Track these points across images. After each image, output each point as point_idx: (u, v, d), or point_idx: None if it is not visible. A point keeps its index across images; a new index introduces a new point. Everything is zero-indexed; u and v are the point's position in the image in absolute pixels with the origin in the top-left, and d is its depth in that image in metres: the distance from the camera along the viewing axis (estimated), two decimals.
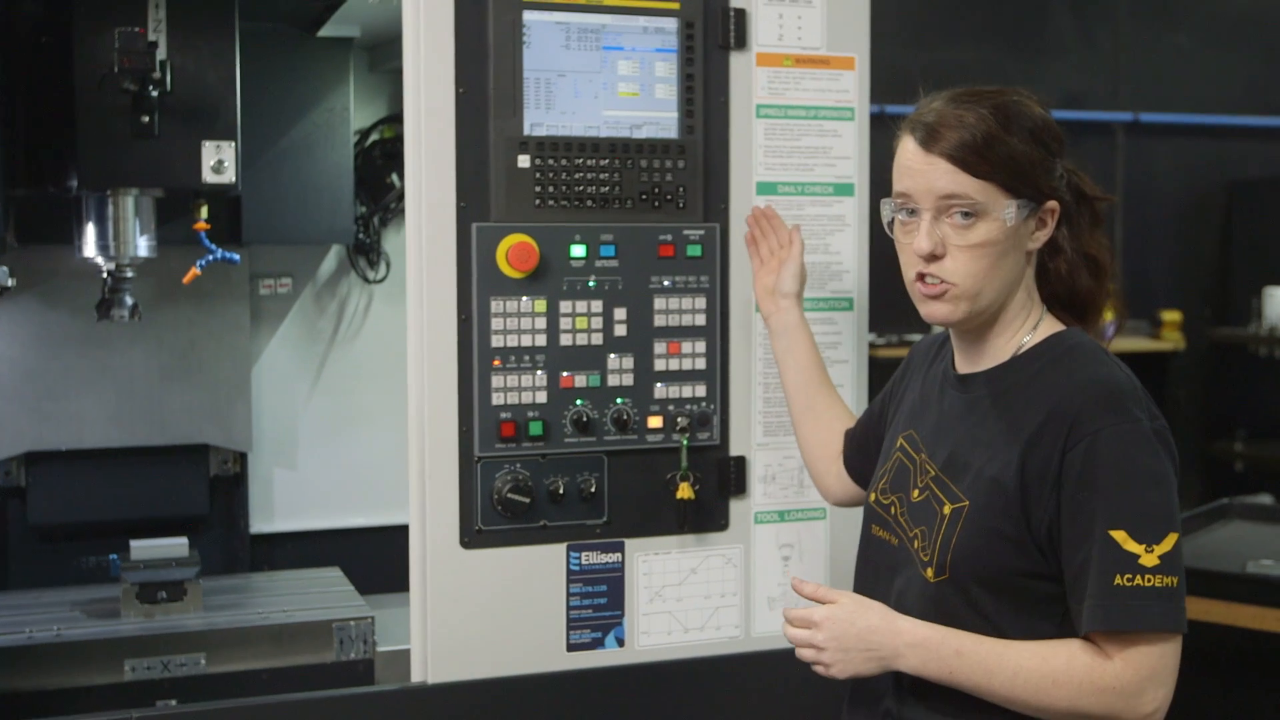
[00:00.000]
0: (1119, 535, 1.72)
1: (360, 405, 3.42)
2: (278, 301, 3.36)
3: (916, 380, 2.08)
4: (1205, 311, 7.40)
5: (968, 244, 1.82)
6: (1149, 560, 1.71)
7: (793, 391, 2.37)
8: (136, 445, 3.20)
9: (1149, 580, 1.71)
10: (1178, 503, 1.77)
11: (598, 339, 2.40)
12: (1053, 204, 1.86)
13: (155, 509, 3.21)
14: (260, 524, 3.37)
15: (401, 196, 3.34)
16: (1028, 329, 1.90)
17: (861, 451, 2.22)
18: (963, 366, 1.96)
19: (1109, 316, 2.03)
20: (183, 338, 3.21)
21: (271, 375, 3.36)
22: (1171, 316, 7.10)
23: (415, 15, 2.31)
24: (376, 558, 3.25)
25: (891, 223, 1.91)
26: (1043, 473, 1.77)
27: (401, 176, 3.36)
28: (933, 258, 1.84)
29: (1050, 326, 1.91)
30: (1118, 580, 1.71)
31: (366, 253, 3.39)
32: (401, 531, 3.35)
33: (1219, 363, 7.24)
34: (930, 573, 1.85)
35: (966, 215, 1.81)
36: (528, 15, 2.33)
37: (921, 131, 1.84)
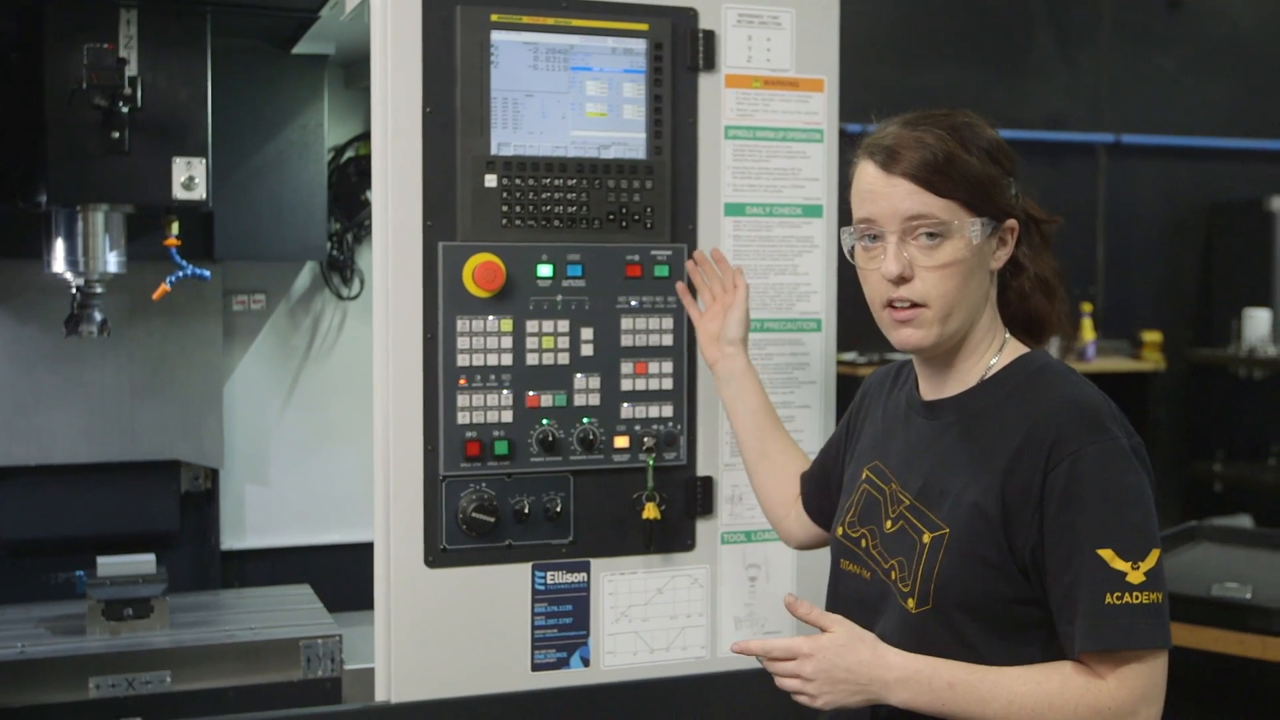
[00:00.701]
0: (1106, 554, 1.71)
1: (333, 422, 3.41)
2: (251, 318, 3.36)
3: (876, 410, 2.07)
4: (1186, 332, 7.43)
5: (936, 264, 1.81)
6: (1136, 577, 1.71)
7: (745, 438, 2.34)
8: (107, 461, 3.19)
9: (1137, 598, 1.70)
10: (1156, 519, 1.77)
11: (564, 358, 2.40)
12: (1012, 222, 1.87)
13: (126, 525, 3.20)
14: (231, 540, 3.36)
15: None
16: (993, 352, 1.90)
17: (822, 491, 2.20)
18: (928, 393, 1.95)
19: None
20: (154, 353, 3.21)
21: (244, 391, 3.35)
22: (1152, 337, 7.13)
23: (383, 34, 2.31)
24: (348, 575, 3.25)
25: (853, 250, 1.91)
26: (1024, 495, 1.76)
27: None
28: (901, 280, 1.83)
29: (1015, 349, 1.91)
30: (1109, 599, 1.70)
31: (340, 269, 3.39)
32: (372, 549, 3.38)
33: (1199, 383, 7.26)
34: (911, 603, 1.83)
35: (932, 235, 1.81)
36: (496, 35, 2.33)
37: (881, 154, 1.84)
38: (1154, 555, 1.73)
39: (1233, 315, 7.09)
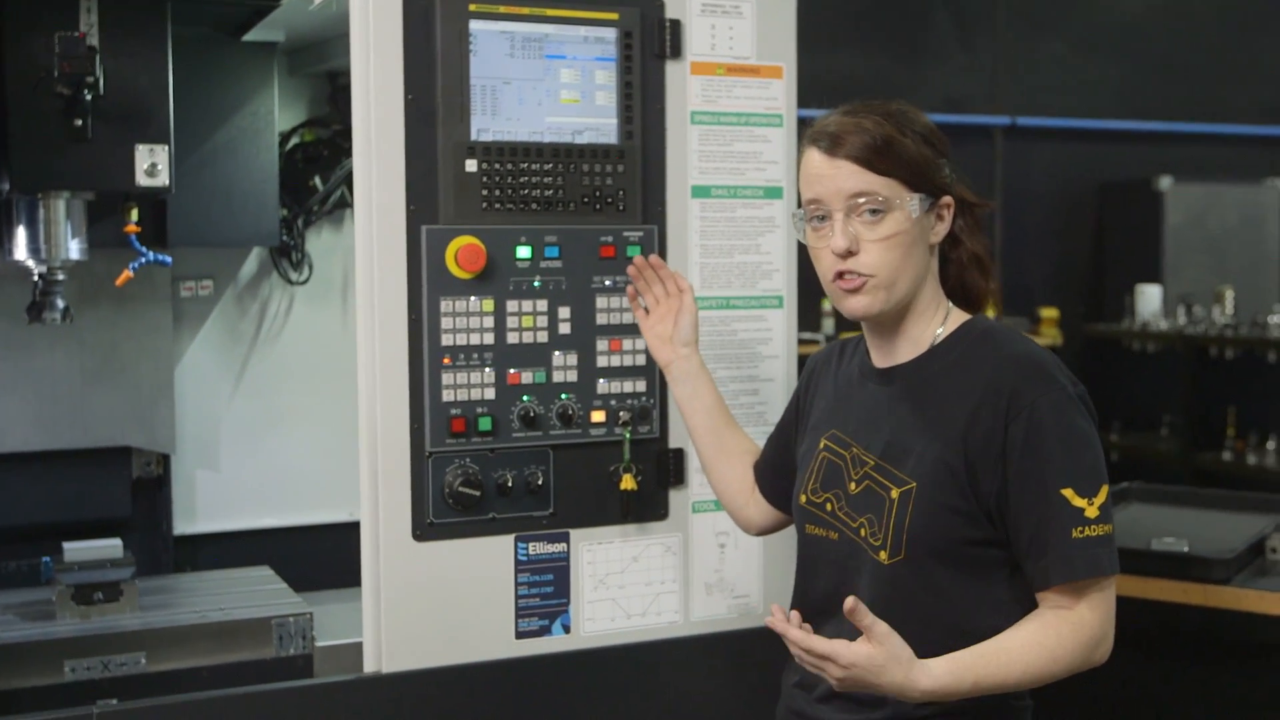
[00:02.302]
0: (1068, 493, 1.88)
1: (282, 406, 3.45)
2: (199, 304, 3.37)
3: (826, 385, 2.20)
4: (1080, 308, 7.69)
5: (879, 237, 1.97)
6: (1092, 512, 1.89)
7: (702, 435, 2.40)
8: (58, 448, 3.19)
9: (1094, 530, 1.88)
10: (1103, 458, 1.95)
11: (543, 337, 2.48)
12: (948, 199, 2.04)
13: (78, 512, 3.21)
14: (183, 525, 3.38)
15: (325, 199, 3.40)
16: (939, 321, 2.06)
17: (778, 473, 2.30)
18: (880, 361, 2.10)
19: (991, 313, 2.19)
20: (105, 340, 3.21)
21: (193, 377, 3.37)
22: (1049, 313, 7.37)
23: (364, 23, 2.36)
24: (300, 557, 3.30)
25: (804, 231, 2.06)
26: (986, 446, 1.92)
27: (324, 179, 3.41)
28: (849, 254, 1.98)
29: (959, 317, 2.08)
30: (1074, 534, 1.88)
31: (289, 254, 3.42)
32: (325, 530, 3.44)
33: (1094, 358, 7.50)
34: (884, 555, 1.97)
35: (875, 211, 1.97)
36: (474, 25, 2.40)
37: (825, 140, 2.00)
38: (1104, 490, 1.91)
39: (1125, 291, 7.35)
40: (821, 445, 2.12)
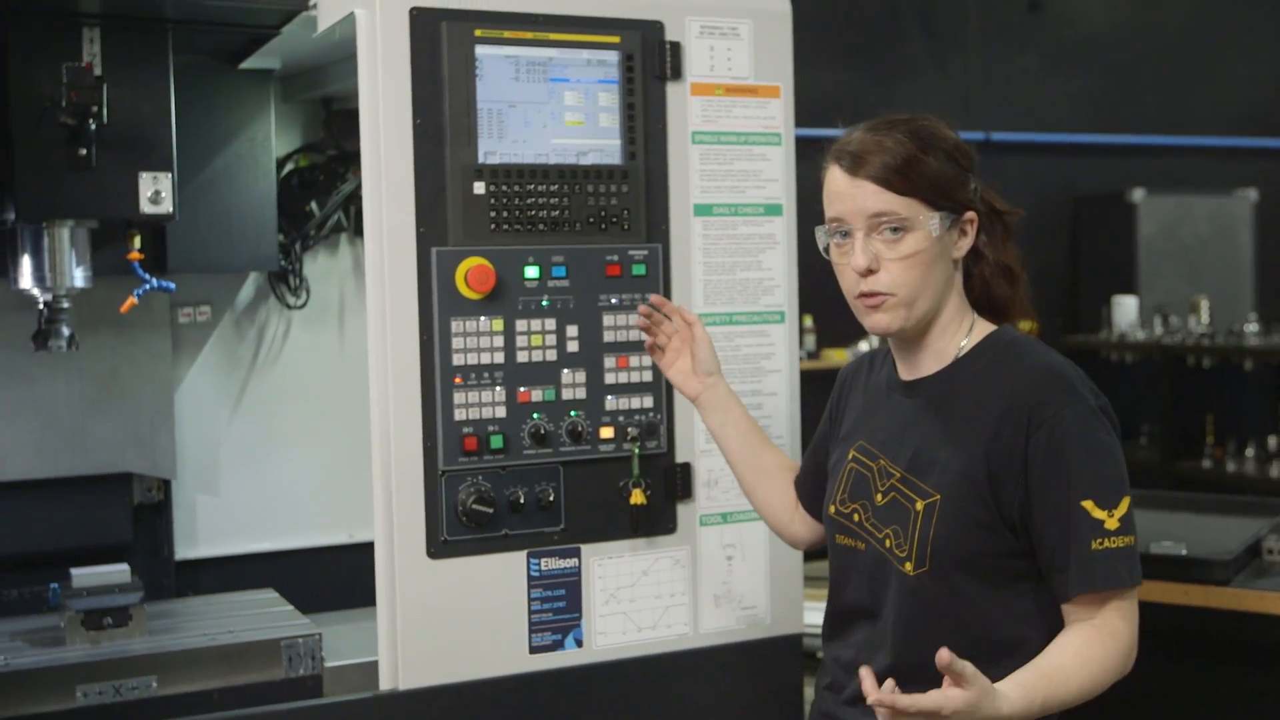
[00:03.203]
0: (1088, 505, 1.90)
1: (281, 430, 3.46)
2: (197, 329, 3.39)
3: (856, 397, 2.23)
4: (1057, 320, 7.76)
5: (899, 256, 1.99)
6: (1112, 524, 1.91)
7: (740, 459, 2.40)
8: (59, 476, 3.20)
9: (1114, 542, 1.91)
10: (1126, 469, 1.97)
11: (552, 355, 2.52)
12: (971, 214, 2.04)
13: (79, 539, 3.21)
14: (185, 550, 3.39)
15: (322, 224, 3.43)
16: (963, 333, 2.07)
17: (819, 486, 2.28)
18: (906, 374, 2.12)
19: (1027, 325, 2.21)
20: (105, 367, 3.22)
21: (193, 402, 3.39)
22: (1026, 325, 7.39)
23: (372, 49, 2.40)
24: (302, 579, 3.31)
25: (827, 248, 2.08)
26: (1009, 458, 1.94)
27: (320, 204, 3.44)
28: (869, 272, 2.00)
29: (983, 328, 2.09)
30: (1094, 545, 1.90)
31: (287, 279, 3.45)
32: (326, 551, 3.45)
33: None
34: (909, 566, 2.00)
35: (895, 230, 1.98)
36: (480, 49, 2.44)
37: (847, 160, 2.01)
38: (1125, 502, 1.93)
39: (1101, 302, 7.44)
40: (850, 456, 2.15)
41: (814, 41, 7.15)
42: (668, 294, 2.61)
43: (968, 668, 1.76)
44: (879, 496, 2.06)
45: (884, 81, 7.46)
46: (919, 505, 1.99)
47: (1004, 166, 7.73)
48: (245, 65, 3.22)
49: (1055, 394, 1.94)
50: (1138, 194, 7.51)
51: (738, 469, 2.42)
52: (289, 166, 3.45)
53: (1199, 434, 6.90)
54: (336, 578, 3.20)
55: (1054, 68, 7.90)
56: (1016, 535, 1.96)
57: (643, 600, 2.61)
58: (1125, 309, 7.29)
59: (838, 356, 6.93)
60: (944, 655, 1.74)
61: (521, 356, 2.49)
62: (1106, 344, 7.29)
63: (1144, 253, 7.54)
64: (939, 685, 1.81)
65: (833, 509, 2.15)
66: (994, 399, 1.97)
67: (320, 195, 3.45)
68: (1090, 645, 1.91)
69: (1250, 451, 6.67)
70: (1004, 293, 2.12)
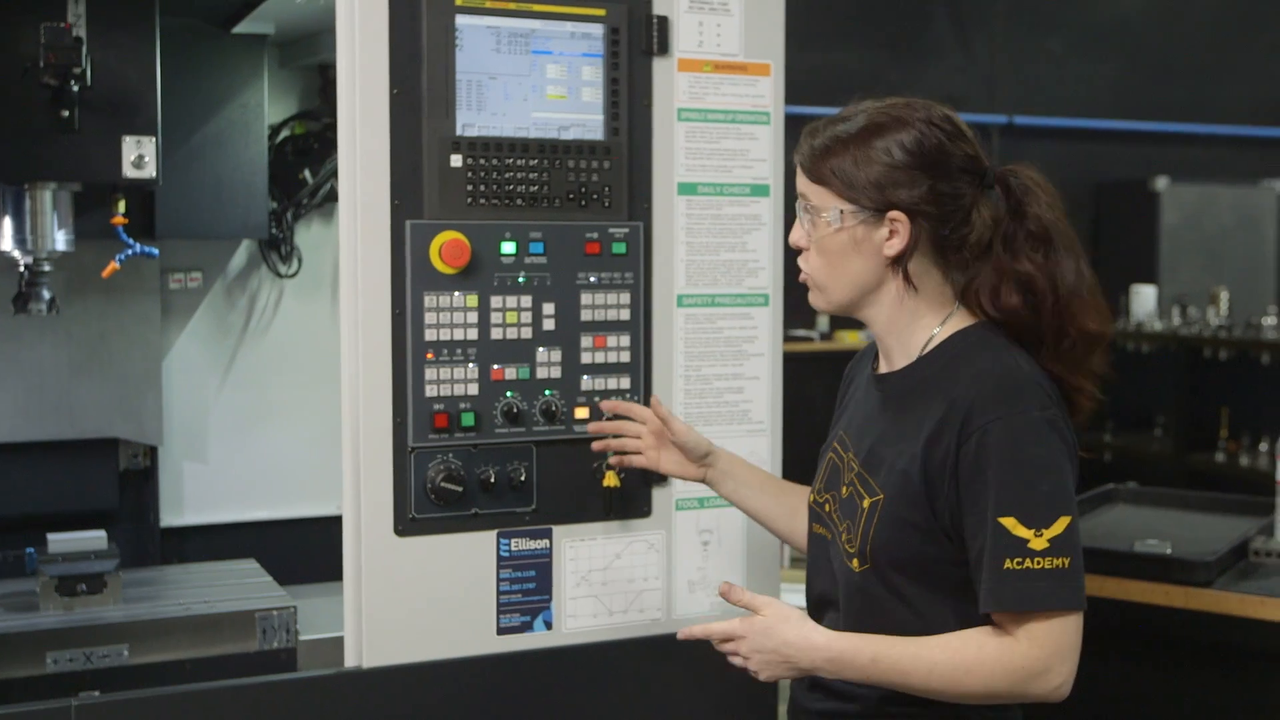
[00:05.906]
0: (1008, 522, 1.82)
1: (270, 399, 3.45)
2: (188, 296, 3.38)
3: (855, 388, 2.19)
4: None
5: (812, 241, 2.01)
6: (1038, 544, 1.81)
7: (767, 511, 2.35)
8: (46, 439, 3.19)
9: (1038, 563, 1.80)
10: (1072, 487, 1.87)
11: (527, 333, 2.48)
12: (895, 213, 1.93)
13: (64, 503, 3.21)
14: (170, 517, 3.39)
15: (314, 192, 3.40)
16: (934, 328, 1.99)
17: None
18: (882, 367, 2.08)
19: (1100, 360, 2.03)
20: (93, 332, 3.21)
21: (182, 369, 3.37)
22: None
23: (350, 17, 2.36)
24: (287, 550, 3.30)
25: None
26: (942, 465, 1.87)
27: (314, 172, 3.41)
28: (799, 250, 2.04)
29: (958, 324, 1.99)
30: (1007, 564, 1.81)
31: (278, 247, 3.42)
32: (312, 523, 3.43)
33: None
34: (855, 563, 1.97)
35: (809, 214, 2.00)
36: (460, 19, 2.40)
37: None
38: (1061, 522, 1.82)
39: (1120, 291, 7.35)
40: (833, 446, 2.12)
41: (835, 19, 7.10)
42: (649, 274, 2.56)
43: (760, 598, 1.94)
44: (844, 489, 2.03)
45: (907, 62, 7.38)
46: (866, 503, 1.96)
47: (1026, 151, 7.58)
48: (238, 30, 3.19)
49: (992, 403, 1.85)
50: (1161, 182, 7.41)
51: (769, 524, 2.36)
52: (284, 133, 3.42)
53: (1213, 427, 6.81)
54: (322, 549, 3.14)
55: (1079, 52, 7.80)
56: (952, 542, 1.89)
57: (615, 584, 2.57)
58: (1144, 298, 7.20)
59: (850, 339, 6.88)
60: (722, 586, 1.97)
61: (496, 333, 2.45)
62: (1123, 333, 7.21)
63: (1165, 242, 7.44)
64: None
65: (812, 497, 2.14)
66: (939, 401, 1.91)
67: (315, 164, 3.42)
68: (964, 641, 1.85)
69: (1264, 446, 6.58)
70: (1012, 303, 1.94)
